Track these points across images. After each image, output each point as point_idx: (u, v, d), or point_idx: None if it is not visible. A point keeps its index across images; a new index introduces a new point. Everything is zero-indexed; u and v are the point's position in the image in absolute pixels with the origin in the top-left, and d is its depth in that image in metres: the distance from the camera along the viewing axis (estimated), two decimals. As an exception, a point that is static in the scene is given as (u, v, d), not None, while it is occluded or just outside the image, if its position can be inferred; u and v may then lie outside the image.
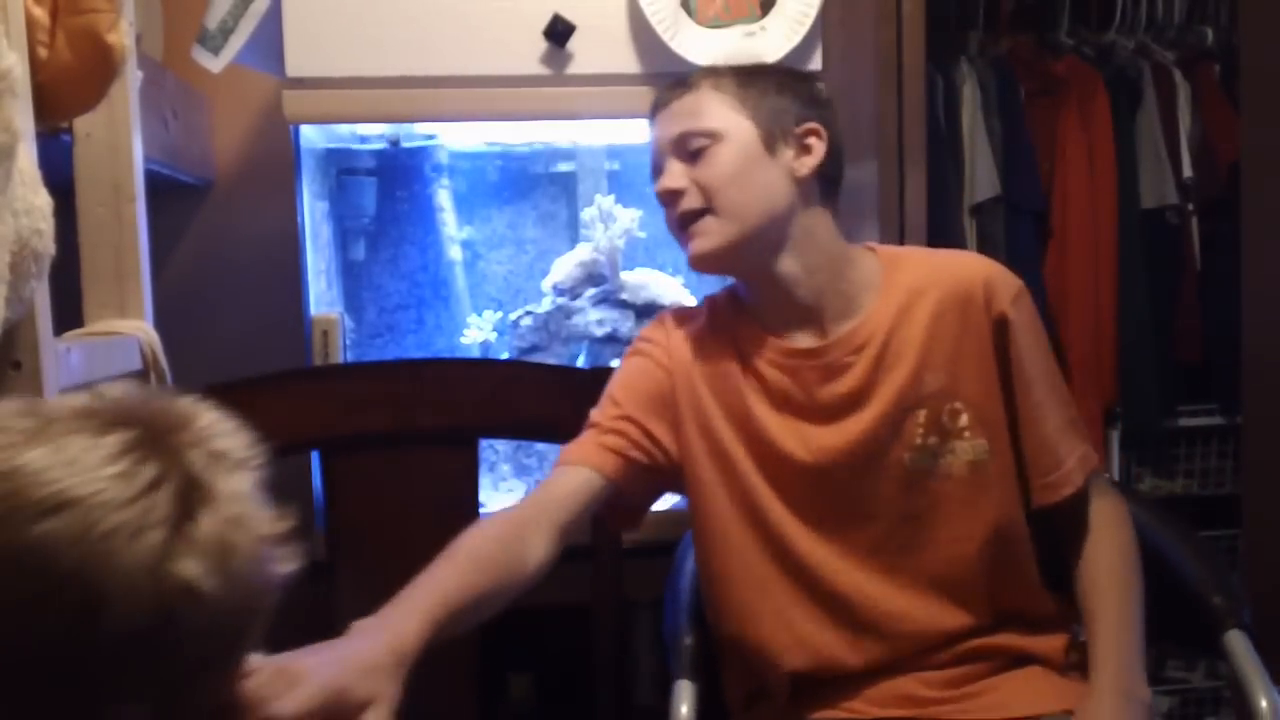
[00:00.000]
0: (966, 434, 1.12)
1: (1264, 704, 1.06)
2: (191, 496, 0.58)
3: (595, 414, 1.17)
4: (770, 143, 1.13)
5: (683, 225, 1.14)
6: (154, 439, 0.58)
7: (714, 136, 1.12)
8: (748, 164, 1.12)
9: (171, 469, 0.57)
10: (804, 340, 1.14)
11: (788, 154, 1.14)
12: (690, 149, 1.13)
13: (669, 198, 1.15)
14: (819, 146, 1.14)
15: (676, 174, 1.14)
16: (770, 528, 1.13)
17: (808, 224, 1.14)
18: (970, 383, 1.12)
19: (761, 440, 1.13)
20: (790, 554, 1.13)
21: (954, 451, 1.12)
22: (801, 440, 1.12)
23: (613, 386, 1.19)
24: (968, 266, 1.17)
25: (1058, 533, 1.16)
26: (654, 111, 1.19)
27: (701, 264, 1.15)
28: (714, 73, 1.17)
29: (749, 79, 1.16)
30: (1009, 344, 1.13)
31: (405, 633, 0.85)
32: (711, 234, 1.12)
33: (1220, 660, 1.14)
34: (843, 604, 1.12)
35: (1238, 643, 1.12)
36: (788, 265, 1.13)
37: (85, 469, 0.55)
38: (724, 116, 1.13)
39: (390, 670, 0.81)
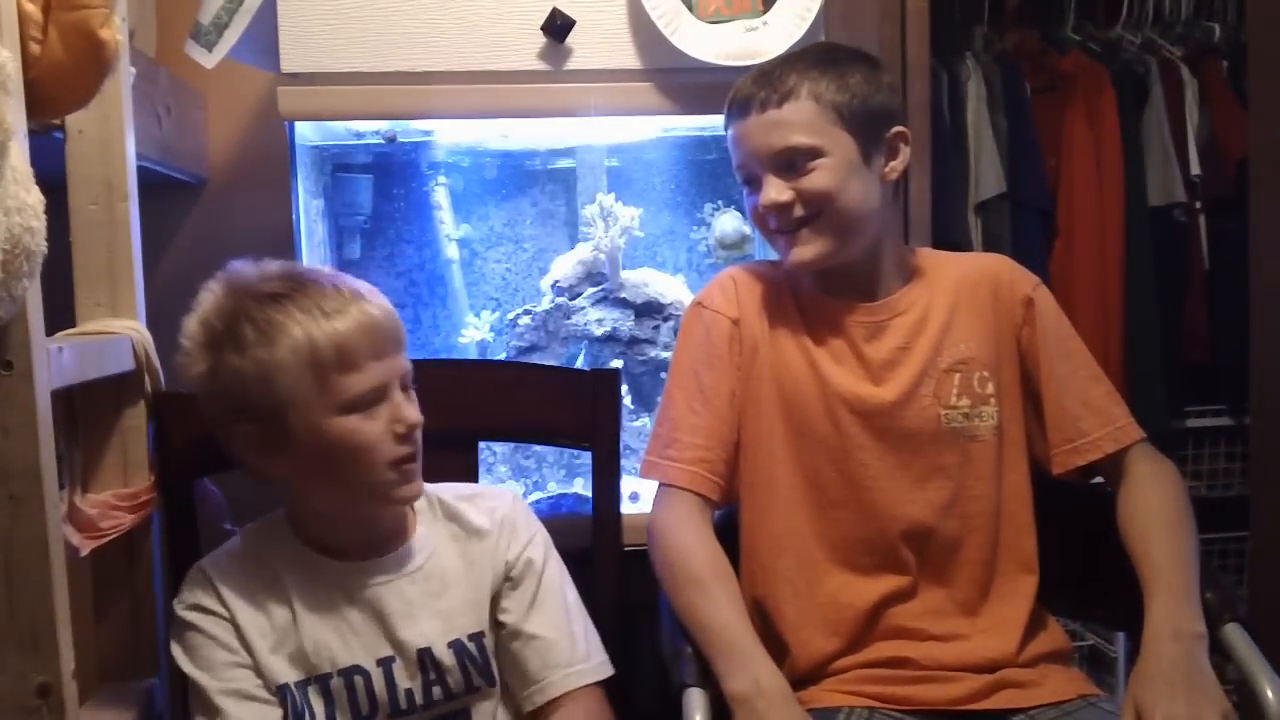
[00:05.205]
0: (992, 400, 1.20)
1: (1270, 695, 1.04)
2: None
3: (682, 417, 1.22)
4: (867, 155, 1.18)
5: (782, 233, 1.20)
6: None
7: (818, 153, 1.15)
8: (848, 178, 1.17)
9: None
10: (855, 303, 1.23)
11: (880, 161, 1.20)
12: (790, 162, 1.16)
13: (772, 210, 1.18)
14: (904, 150, 1.21)
15: (779, 187, 1.17)
16: (821, 472, 1.20)
17: (887, 217, 1.23)
18: (995, 354, 1.21)
19: (825, 383, 1.20)
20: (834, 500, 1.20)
21: (981, 416, 1.20)
22: (855, 389, 1.19)
23: (693, 369, 1.23)
24: (992, 259, 1.29)
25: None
26: (743, 110, 1.19)
27: (802, 269, 1.22)
28: (809, 76, 1.16)
29: (845, 84, 1.17)
30: (1033, 323, 1.22)
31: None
32: (813, 243, 1.18)
33: (1219, 657, 1.09)
34: (867, 544, 1.19)
35: (1237, 636, 1.10)
36: (865, 252, 1.21)
37: None
38: (826, 132, 1.16)
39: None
